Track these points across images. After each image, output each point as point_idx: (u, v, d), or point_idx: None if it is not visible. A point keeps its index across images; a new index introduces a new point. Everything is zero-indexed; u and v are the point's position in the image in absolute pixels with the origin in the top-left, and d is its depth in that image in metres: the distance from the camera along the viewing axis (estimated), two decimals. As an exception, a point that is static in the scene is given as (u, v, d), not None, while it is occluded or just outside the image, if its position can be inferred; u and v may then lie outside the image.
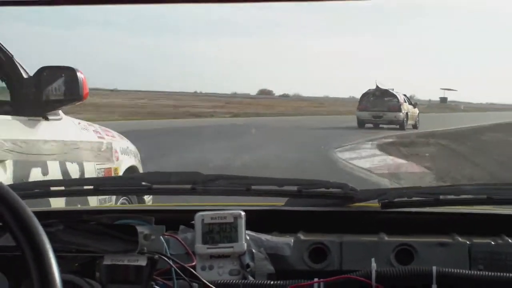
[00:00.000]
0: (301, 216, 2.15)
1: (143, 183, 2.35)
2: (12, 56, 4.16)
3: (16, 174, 3.67)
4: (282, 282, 1.72)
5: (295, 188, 2.28)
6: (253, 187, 2.28)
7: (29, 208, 1.14)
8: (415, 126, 35.90)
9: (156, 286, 1.67)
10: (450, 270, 1.72)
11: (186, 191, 2.32)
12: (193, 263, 1.79)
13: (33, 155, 3.68)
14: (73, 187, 2.53)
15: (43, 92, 4.07)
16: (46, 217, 1.68)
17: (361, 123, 35.18)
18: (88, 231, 1.74)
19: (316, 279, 1.70)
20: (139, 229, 1.70)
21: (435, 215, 2.15)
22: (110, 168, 4.60)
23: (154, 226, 1.76)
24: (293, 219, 2.12)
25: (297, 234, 1.96)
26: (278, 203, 2.30)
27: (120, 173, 4.66)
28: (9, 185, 1.14)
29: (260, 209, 2.20)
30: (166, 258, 1.69)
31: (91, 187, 2.47)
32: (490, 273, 1.73)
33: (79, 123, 4.72)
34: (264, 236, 1.92)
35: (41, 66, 4.19)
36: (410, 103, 37.37)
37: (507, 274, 1.71)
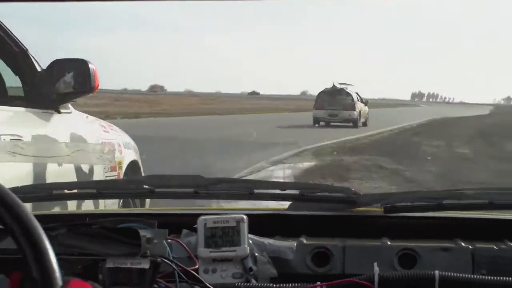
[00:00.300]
0: (304, 220, 2.15)
1: (145, 186, 2.34)
2: (27, 49, 4.15)
3: (36, 170, 3.68)
4: (284, 285, 1.71)
5: (297, 192, 2.28)
6: (255, 190, 2.27)
7: (32, 211, 1.14)
8: (365, 124, 37.48)
9: None
10: (452, 274, 1.71)
11: (188, 194, 2.31)
12: (196, 267, 1.79)
13: (39, 156, 3.70)
14: (75, 190, 2.53)
15: (55, 85, 4.06)
16: (48, 220, 1.67)
17: (316, 121, 36.62)
18: (90, 234, 1.74)
19: (318, 283, 1.70)
20: (142, 232, 1.70)
21: (438, 220, 2.15)
22: (115, 161, 4.67)
23: (156, 230, 1.75)
24: (296, 223, 2.12)
25: (300, 238, 1.95)
26: (281, 207, 2.30)
27: (124, 166, 4.72)
28: (10, 188, 1.14)
29: (262, 213, 2.20)
30: (168, 262, 1.68)
31: (94, 190, 2.47)
32: (492, 278, 1.72)
33: (87, 117, 4.76)
34: (266, 240, 1.91)
35: (54, 59, 4.17)
36: (361, 101, 38.90)
37: (509, 279, 1.71)
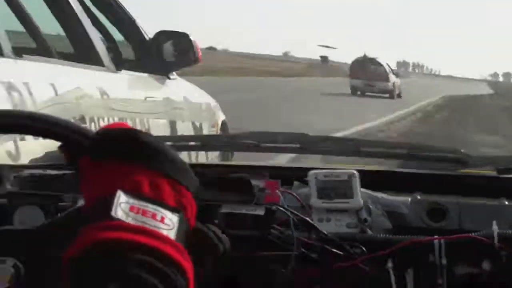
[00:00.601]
0: (417, 177, 2.11)
1: (250, 141, 2.33)
2: (135, 20, 4.52)
3: (168, 125, 4.25)
4: (401, 236, 1.69)
5: (405, 151, 2.24)
6: (362, 148, 2.25)
7: None
8: (399, 95, 38.54)
9: (275, 233, 1.66)
10: None
11: (295, 149, 2.30)
12: (310, 216, 1.78)
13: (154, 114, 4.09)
14: (181, 142, 2.54)
15: (163, 55, 4.45)
16: None
17: (353, 90, 37.98)
18: (204, 182, 1.73)
19: (436, 236, 1.66)
20: (254, 182, 1.69)
21: None
22: (214, 121, 5.26)
23: (269, 181, 1.74)
24: (407, 180, 2.08)
25: (414, 194, 1.91)
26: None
27: (219, 125, 5.29)
28: None
29: (373, 169, 2.17)
30: (284, 209, 1.67)
31: (198, 143, 2.49)
32: None
33: (187, 83, 5.22)
34: (380, 195, 1.88)
35: (159, 30, 4.58)
36: (392, 73, 40.37)
37: None
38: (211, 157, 4.39)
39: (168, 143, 2.40)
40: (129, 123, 3.44)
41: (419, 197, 1.89)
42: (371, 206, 1.81)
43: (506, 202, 1.87)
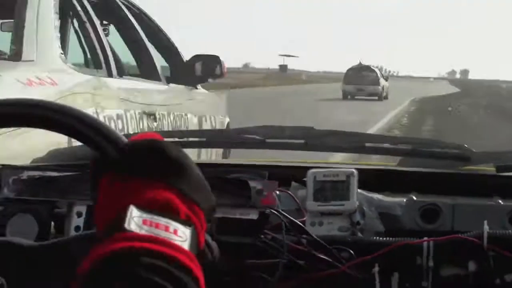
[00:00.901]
0: (414, 176, 2.11)
1: (256, 136, 2.33)
2: (177, 47, 5.99)
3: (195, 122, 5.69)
4: (390, 239, 1.68)
5: (409, 147, 2.24)
6: (366, 144, 2.25)
7: None
8: (386, 97, 42.65)
9: (265, 240, 1.66)
10: None
11: (299, 145, 2.30)
12: (303, 219, 1.78)
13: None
14: (185, 138, 2.55)
15: (195, 72, 5.90)
16: None
17: (345, 95, 42.00)
18: None
19: (425, 238, 1.66)
20: (252, 183, 1.70)
21: None
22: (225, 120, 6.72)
23: (267, 182, 1.74)
24: (406, 179, 2.08)
25: (410, 194, 1.92)
26: (391, 162, 2.27)
27: (225, 124, 6.63)
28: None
29: (373, 168, 2.17)
30: (277, 213, 1.68)
31: (204, 139, 2.50)
32: None
33: (205, 91, 6.62)
34: (375, 196, 1.89)
35: (194, 55, 6.03)
36: (383, 77, 45.07)
37: None
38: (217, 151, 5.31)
39: (173, 139, 2.43)
40: (174, 118, 5.20)
41: (414, 198, 1.90)
42: (365, 209, 1.82)
43: (500, 201, 1.87)
